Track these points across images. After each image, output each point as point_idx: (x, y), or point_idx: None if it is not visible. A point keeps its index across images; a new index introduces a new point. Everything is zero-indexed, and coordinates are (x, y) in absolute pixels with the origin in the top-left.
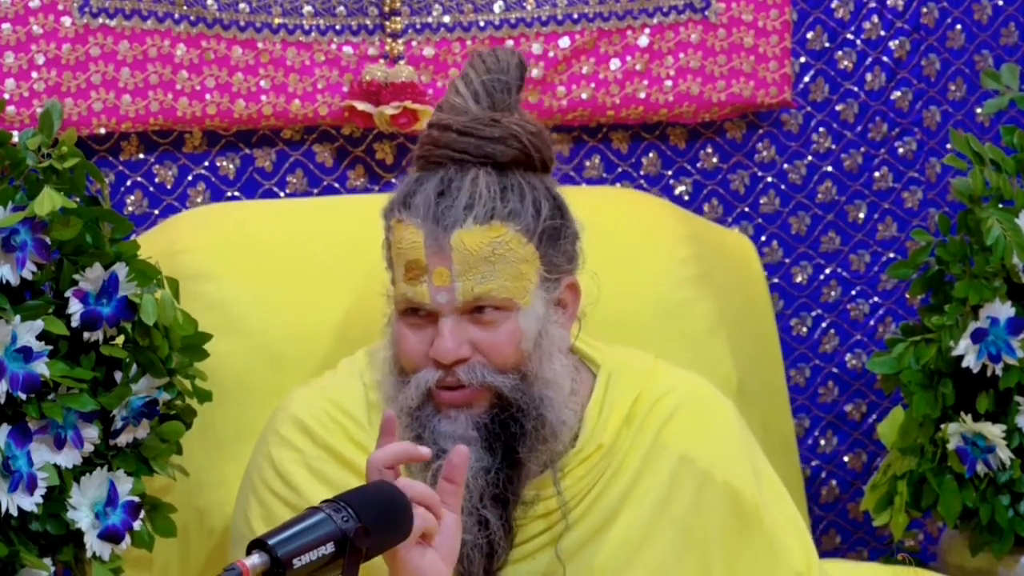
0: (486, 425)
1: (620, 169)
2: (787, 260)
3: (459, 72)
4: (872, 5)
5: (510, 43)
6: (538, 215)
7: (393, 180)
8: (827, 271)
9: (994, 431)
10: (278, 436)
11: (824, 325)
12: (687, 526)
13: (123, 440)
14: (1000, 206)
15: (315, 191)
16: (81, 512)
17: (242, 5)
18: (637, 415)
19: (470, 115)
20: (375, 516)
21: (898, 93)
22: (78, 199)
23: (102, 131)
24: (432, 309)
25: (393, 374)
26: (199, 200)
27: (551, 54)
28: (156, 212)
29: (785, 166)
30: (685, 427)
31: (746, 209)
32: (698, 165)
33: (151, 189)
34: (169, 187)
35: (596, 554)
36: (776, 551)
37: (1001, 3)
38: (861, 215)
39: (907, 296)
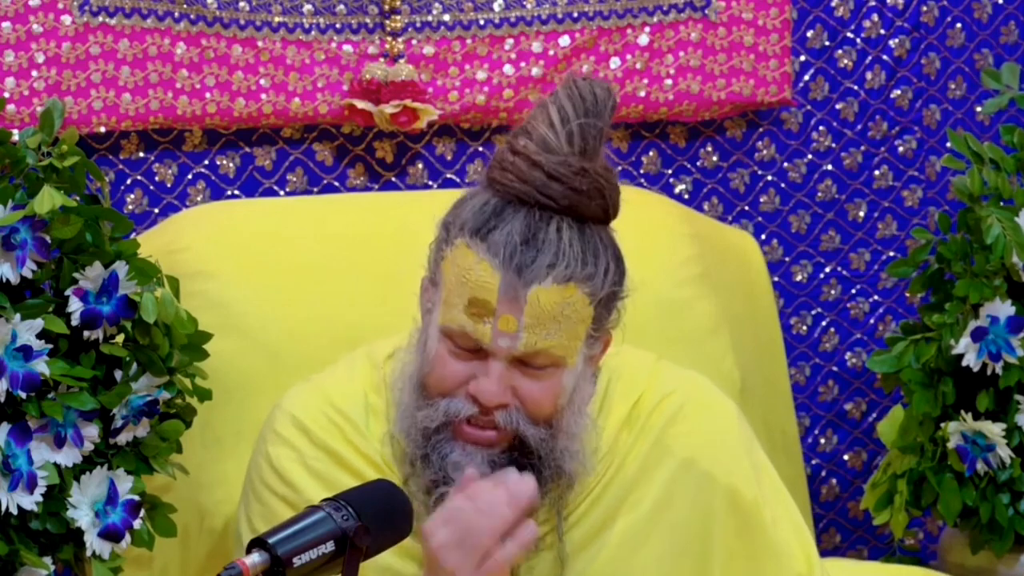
0: (500, 464)
1: (620, 168)
2: (787, 259)
3: (551, 97)
4: (872, 4)
5: (510, 42)
6: (605, 280)
7: (393, 179)
8: (827, 270)
9: (994, 430)
10: (276, 435)
11: (824, 324)
12: (686, 528)
13: (123, 439)
14: (1000, 205)
15: (315, 190)
16: (81, 511)
17: (242, 4)
18: (639, 417)
19: (560, 157)
20: (375, 515)
21: (898, 92)
22: (78, 198)
23: (102, 130)
24: (489, 349)
25: (414, 387)
26: (199, 199)
27: (551, 53)
28: (156, 211)
29: (785, 165)
30: (688, 429)
31: (746, 208)
32: (698, 164)
33: (151, 188)
34: (169, 186)
35: (595, 556)
36: (777, 552)
37: (1001, 2)
38: (861, 214)
39: (907, 295)
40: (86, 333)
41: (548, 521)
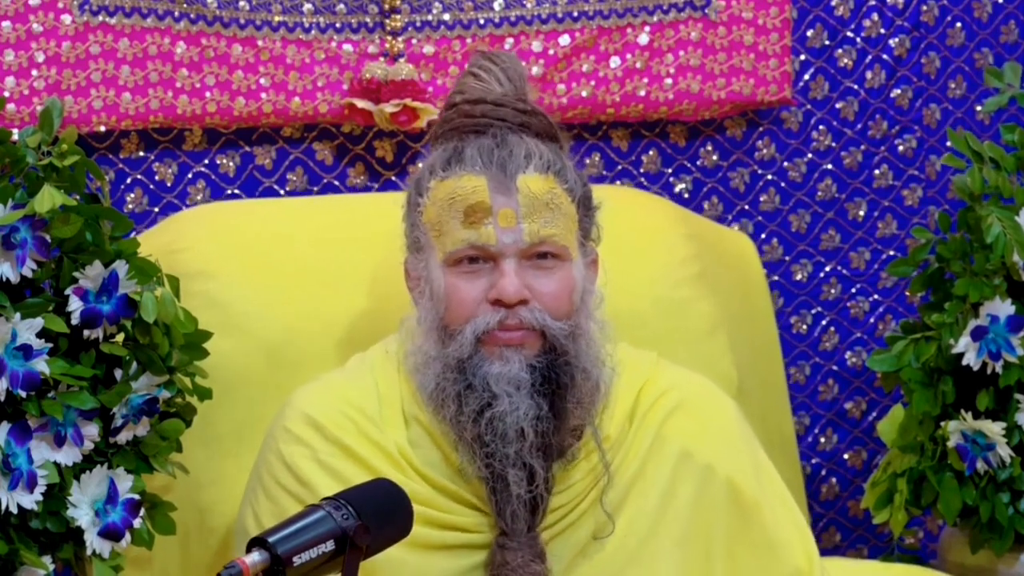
0: (537, 368)
1: (620, 167)
2: (787, 258)
3: (467, 68)
4: (872, 3)
5: (510, 41)
6: (577, 179)
7: (393, 178)
8: (827, 269)
9: (994, 429)
10: (287, 432)
11: (824, 323)
12: (689, 520)
13: (123, 438)
14: (1000, 204)
15: (315, 189)
16: (81, 510)
17: (242, 3)
18: (639, 410)
19: (497, 92)
20: (375, 514)
21: (898, 91)
22: (78, 197)
23: (102, 129)
24: (496, 251)
25: (435, 333)
26: (199, 198)
27: (551, 52)
28: (156, 210)
29: (785, 164)
30: (686, 423)
31: (746, 207)
32: (698, 163)
33: (151, 187)
34: (169, 185)
35: (602, 546)
36: (776, 547)
37: (1001, 1)
38: (861, 213)
39: (907, 294)
40: (86, 332)
41: (592, 473)
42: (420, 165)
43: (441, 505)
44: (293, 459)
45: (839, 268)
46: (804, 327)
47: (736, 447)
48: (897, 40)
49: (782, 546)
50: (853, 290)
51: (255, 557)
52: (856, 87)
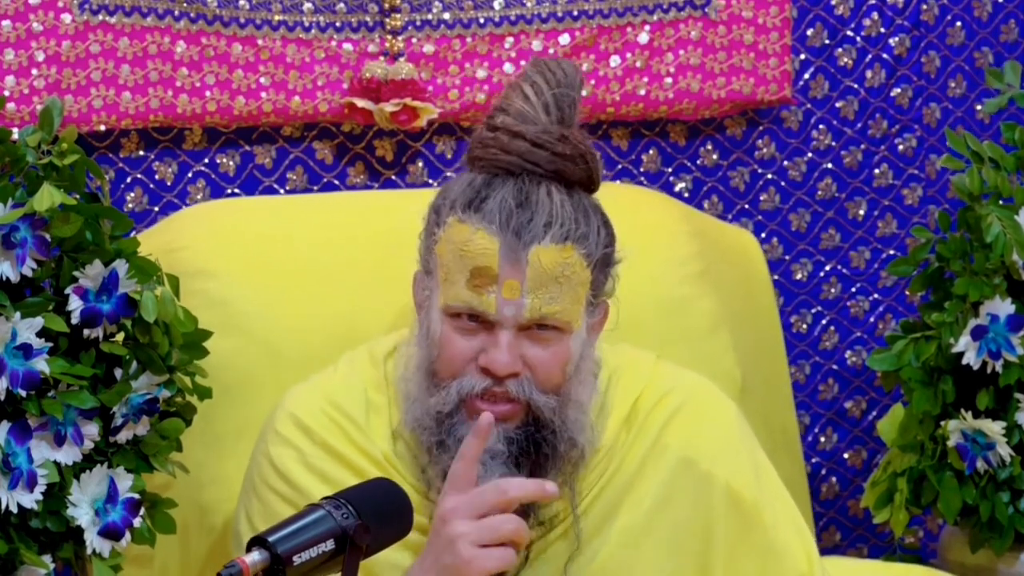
0: (516, 440)
1: (620, 166)
2: (787, 257)
3: (520, 77)
4: (872, 2)
5: (510, 40)
6: (599, 240)
7: (393, 177)
8: (827, 268)
9: (994, 428)
10: (277, 434)
11: (824, 322)
12: (687, 526)
13: (123, 437)
14: (1000, 203)
15: (315, 188)
16: (81, 509)
17: (242, 2)
18: (638, 415)
19: (540, 126)
20: (375, 513)
21: (898, 90)
22: (78, 196)
23: (102, 128)
24: (495, 320)
25: (422, 374)
26: (199, 197)
27: (551, 51)
28: (156, 209)
29: (785, 163)
30: (686, 427)
31: (746, 206)
32: (698, 162)
33: (151, 186)
34: (169, 184)
35: (596, 554)
36: (777, 552)
37: (1001, 0)
38: (861, 212)
39: (907, 293)
40: (86, 331)
41: (561, 500)
42: (449, 185)
43: (429, 512)
44: (282, 462)
45: (839, 267)
46: (804, 326)
47: (736, 450)
48: (897, 39)
49: (783, 550)
50: (853, 289)
51: (255, 556)
52: (856, 86)
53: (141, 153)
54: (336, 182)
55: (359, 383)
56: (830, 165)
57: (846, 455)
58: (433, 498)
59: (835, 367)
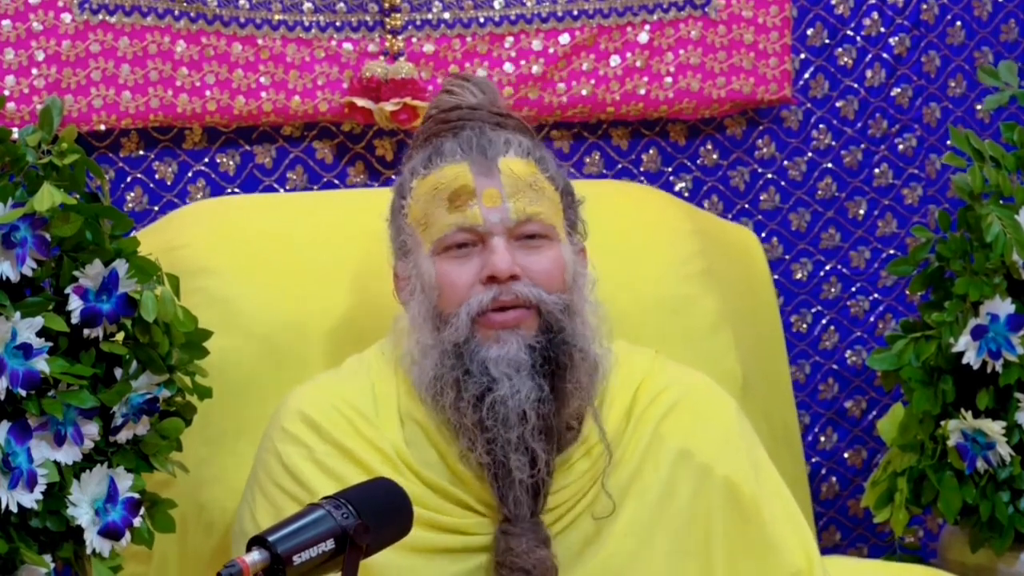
0: (536, 348)
1: (620, 165)
2: (787, 256)
3: (442, 88)
4: (872, 2)
5: (510, 40)
6: (558, 169)
7: (393, 176)
8: (827, 267)
9: (994, 427)
10: (284, 432)
11: (824, 322)
12: (688, 520)
13: (123, 437)
14: (1000, 202)
15: (315, 187)
16: (81, 509)
17: (242, 2)
18: (637, 408)
19: (472, 100)
20: (375, 513)
21: (898, 90)
22: (78, 195)
23: (102, 127)
24: (484, 231)
25: (429, 322)
26: (199, 196)
27: (551, 51)
28: (156, 208)
29: (785, 163)
30: (684, 421)
31: (746, 205)
32: (698, 161)
33: (151, 185)
34: (169, 183)
35: (601, 547)
36: (775, 547)
37: (1001, 0)
38: (861, 211)
39: (907, 292)
40: (86, 331)
41: (589, 455)
42: (399, 175)
43: (439, 507)
44: (290, 459)
45: (839, 267)
46: (804, 326)
47: (735, 445)
48: (897, 39)
49: (781, 545)
50: (853, 289)
51: (255, 556)
52: (856, 86)
53: (141, 153)
54: (336, 182)
55: (365, 377)
56: (830, 165)
57: (846, 455)
58: (461, 475)
59: (835, 367)
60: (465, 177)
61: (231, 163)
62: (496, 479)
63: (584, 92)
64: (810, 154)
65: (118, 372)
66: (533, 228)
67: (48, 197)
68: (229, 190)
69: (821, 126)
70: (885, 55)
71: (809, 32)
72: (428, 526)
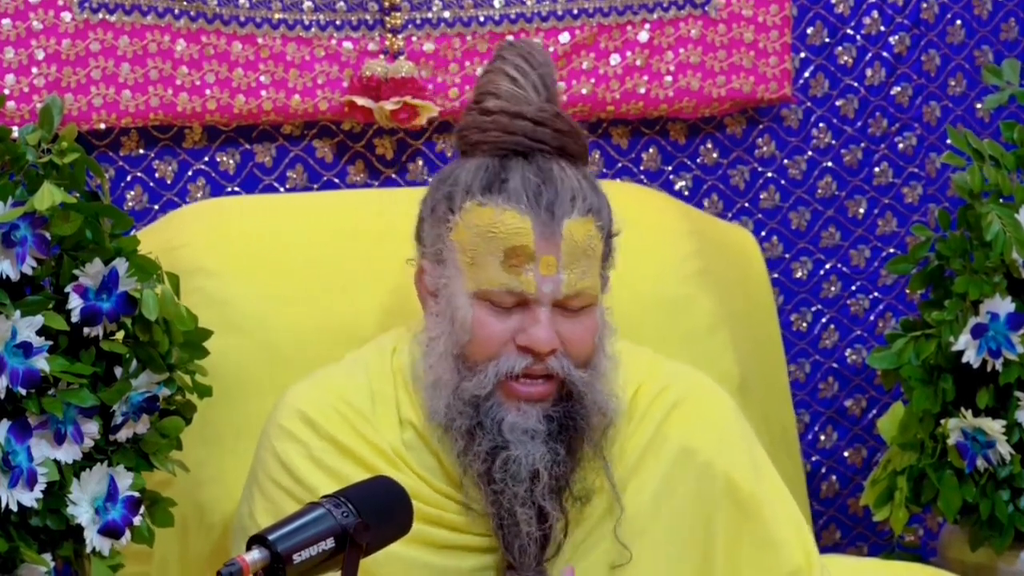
0: (554, 418)
1: (620, 164)
2: (787, 255)
3: (498, 60)
4: (872, 0)
5: (510, 39)
6: (608, 212)
7: (393, 176)
8: (827, 266)
9: (994, 426)
10: (281, 429)
11: (824, 320)
12: (687, 518)
13: (123, 436)
14: (1000, 201)
15: (315, 187)
16: (81, 507)
17: (242, 0)
18: (638, 407)
19: (536, 105)
20: (375, 511)
21: (898, 88)
22: (78, 194)
23: (102, 126)
24: (534, 299)
25: (451, 360)
26: (199, 195)
27: (551, 49)
28: (156, 207)
29: (785, 161)
30: (686, 419)
31: (746, 204)
32: (698, 160)
33: (151, 184)
34: (169, 182)
35: (597, 544)
36: (775, 545)
37: None
38: (861, 210)
39: (907, 291)
40: (86, 330)
41: (594, 473)
42: (453, 173)
43: (444, 506)
44: (288, 456)
45: (839, 266)
46: (804, 325)
47: (735, 444)
48: (897, 38)
49: (781, 543)
50: (853, 288)
51: (255, 555)
52: (856, 85)
53: (141, 151)
54: (336, 181)
55: (363, 375)
56: (830, 163)
57: (846, 453)
58: (461, 483)
59: (835, 365)
60: (527, 237)
61: (231, 162)
62: (501, 527)
63: (584, 91)
64: (810, 153)
65: (118, 371)
66: (578, 303)
67: (48, 196)
68: (229, 189)
69: (821, 125)
70: (885, 54)
71: (809, 31)
72: (435, 523)
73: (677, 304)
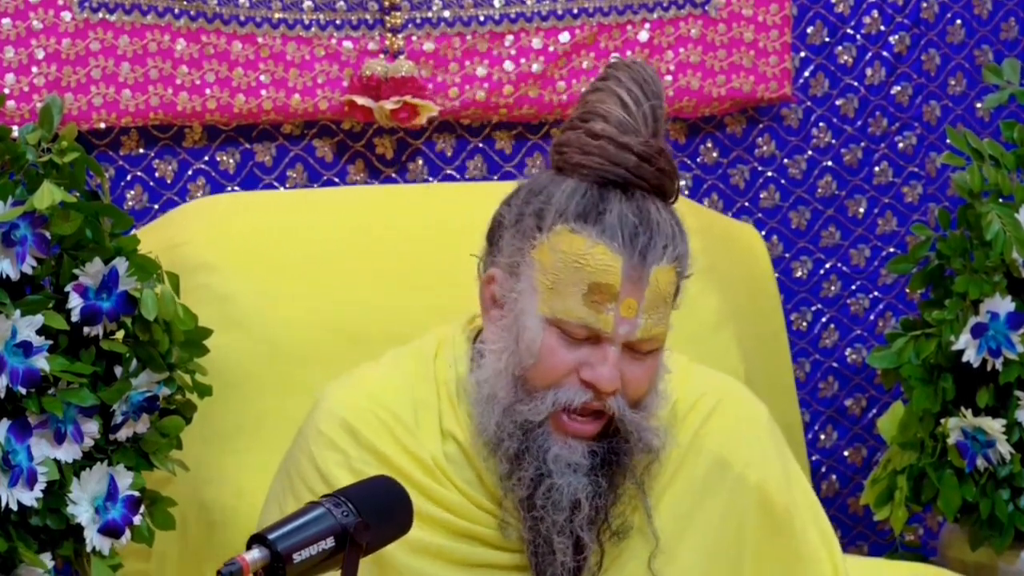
0: (598, 453)
1: None
2: (787, 255)
3: (611, 81)
4: (872, 0)
5: (510, 38)
6: (688, 258)
7: (393, 175)
8: (827, 266)
9: (994, 426)
10: (321, 435)
11: (824, 320)
12: (719, 528)
13: (123, 435)
14: (1000, 201)
15: (315, 186)
16: (81, 507)
17: (242, 0)
18: (676, 418)
19: (642, 138)
20: (375, 510)
21: (898, 88)
22: (78, 194)
23: (102, 126)
24: (608, 338)
25: (510, 379)
26: (199, 195)
27: (551, 49)
28: (156, 207)
29: (785, 161)
30: (721, 429)
31: (746, 204)
32: (698, 160)
33: (151, 184)
34: (169, 182)
35: (631, 556)
36: (804, 559)
37: None
38: (861, 210)
39: (907, 291)
40: (86, 329)
41: (632, 501)
42: (546, 188)
43: (482, 520)
44: (327, 466)
45: (839, 265)
46: (804, 324)
47: (769, 455)
48: (897, 37)
49: (810, 558)
50: (853, 287)
51: (255, 554)
52: (856, 84)
53: (141, 151)
54: (336, 180)
55: (404, 380)
56: (830, 163)
57: (846, 453)
58: (501, 502)
59: (835, 365)
60: (614, 276)
61: (231, 161)
62: (535, 555)
63: (584, 90)
64: (810, 152)
65: (118, 370)
66: (648, 347)
67: (48, 195)
68: (229, 188)
69: (821, 124)
70: (885, 53)
71: (809, 30)
72: (464, 536)
73: (683, 301)
